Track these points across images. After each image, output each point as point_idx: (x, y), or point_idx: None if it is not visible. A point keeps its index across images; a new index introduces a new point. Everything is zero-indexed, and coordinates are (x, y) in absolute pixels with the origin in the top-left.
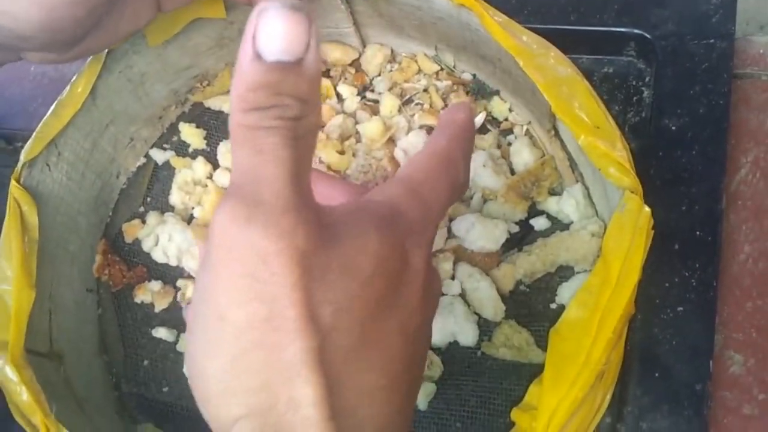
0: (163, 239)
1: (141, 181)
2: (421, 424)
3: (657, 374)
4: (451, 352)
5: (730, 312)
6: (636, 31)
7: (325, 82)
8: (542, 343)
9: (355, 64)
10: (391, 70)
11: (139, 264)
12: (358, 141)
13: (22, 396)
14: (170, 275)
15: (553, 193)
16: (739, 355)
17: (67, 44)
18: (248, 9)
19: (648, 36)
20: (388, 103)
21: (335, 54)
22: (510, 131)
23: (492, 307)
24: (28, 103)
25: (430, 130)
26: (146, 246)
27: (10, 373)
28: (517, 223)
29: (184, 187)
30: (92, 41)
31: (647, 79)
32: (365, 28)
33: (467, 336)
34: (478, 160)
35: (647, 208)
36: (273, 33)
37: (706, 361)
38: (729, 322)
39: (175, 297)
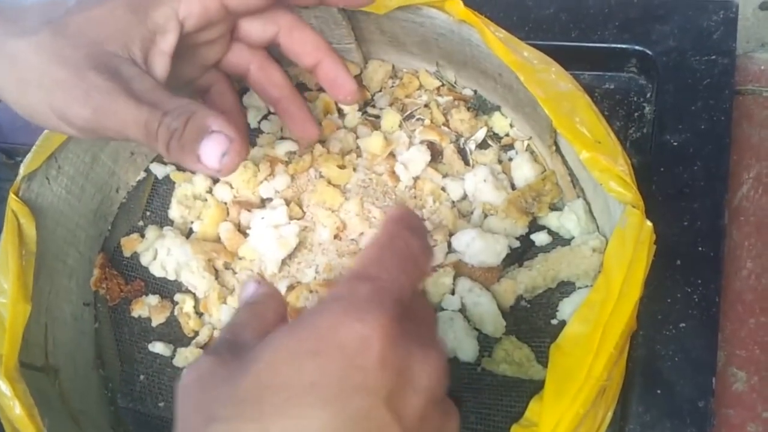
0: (162, 253)
1: (141, 195)
2: None
3: (659, 391)
4: (451, 368)
5: (733, 328)
6: (637, 47)
7: (327, 97)
8: (543, 359)
9: (357, 79)
10: (392, 86)
11: (137, 278)
12: (359, 156)
13: (15, 410)
14: (168, 289)
15: (554, 208)
16: (742, 371)
17: None
18: None
19: (649, 52)
20: (389, 119)
21: None
22: (511, 147)
23: (492, 322)
24: None
25: (431, 145)
26: (144, 260)
27: (3, 387)
28: (517, 239)
29: (183, 202)
30: None
31: (648, 95)
32: (367, 44)
33: (467, 352)
34: (479, 175)
35: (649, 223)
36: None
37: (708, 377)
38: (732, 338)
39: (172, 311)
